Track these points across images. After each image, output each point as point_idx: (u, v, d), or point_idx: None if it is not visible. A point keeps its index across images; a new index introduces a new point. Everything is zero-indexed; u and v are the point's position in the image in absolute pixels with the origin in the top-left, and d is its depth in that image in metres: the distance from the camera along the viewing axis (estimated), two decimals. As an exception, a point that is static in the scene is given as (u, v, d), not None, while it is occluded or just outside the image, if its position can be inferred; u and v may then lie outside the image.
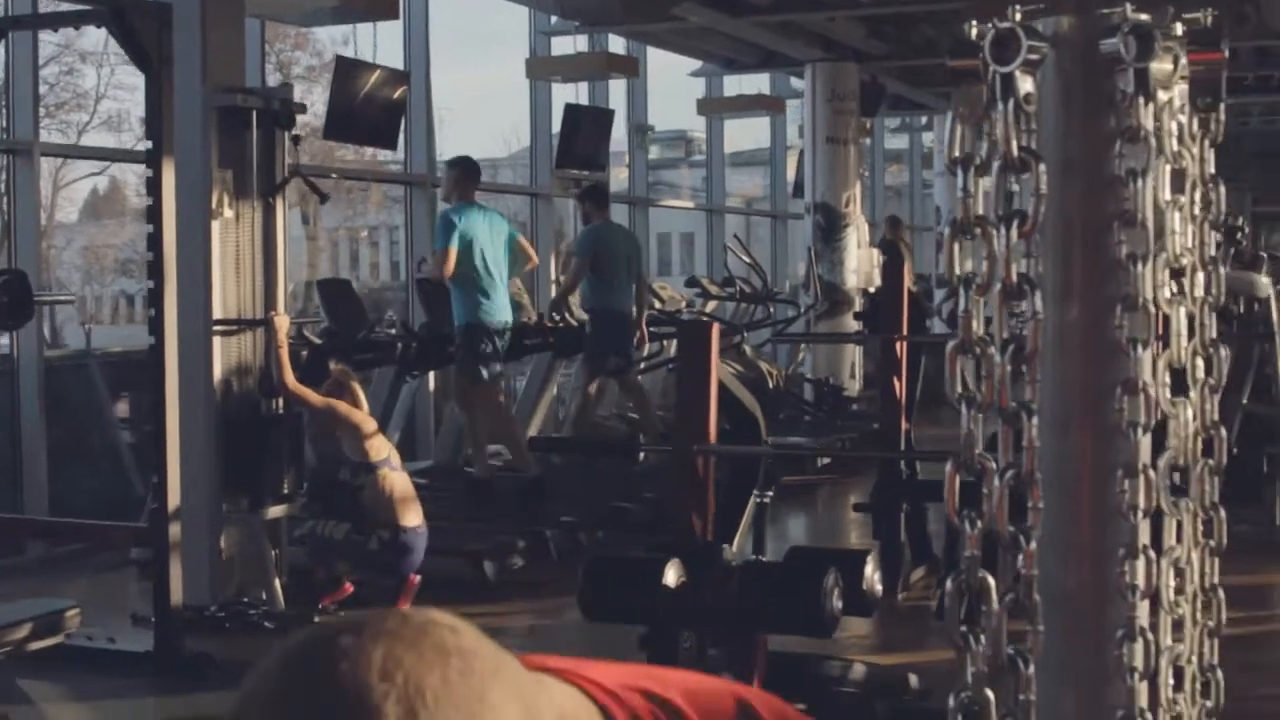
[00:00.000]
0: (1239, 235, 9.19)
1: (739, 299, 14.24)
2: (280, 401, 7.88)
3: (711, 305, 14.09)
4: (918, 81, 18.21)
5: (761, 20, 14.04)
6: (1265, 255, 9.66)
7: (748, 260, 15.01)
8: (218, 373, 7.69)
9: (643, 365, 12.27)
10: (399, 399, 10.56)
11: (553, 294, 12.29)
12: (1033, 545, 2.25)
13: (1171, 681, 2.52)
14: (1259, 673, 6.45)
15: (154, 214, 6.77)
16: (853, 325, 15.24)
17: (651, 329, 11.72)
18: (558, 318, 11.25)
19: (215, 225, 7.60)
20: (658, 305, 12.69)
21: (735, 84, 17.73)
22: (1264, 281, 9.26)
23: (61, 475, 9.58)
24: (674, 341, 12.09)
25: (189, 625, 7.17)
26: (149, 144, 6.81)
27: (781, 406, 13.65)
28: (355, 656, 1.10)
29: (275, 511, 7.86)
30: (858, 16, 14.81)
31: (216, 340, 7.66)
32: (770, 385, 13.66)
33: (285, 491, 7.89)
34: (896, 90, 18.31)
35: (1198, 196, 2.60)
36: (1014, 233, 2.20)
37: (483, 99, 50.55)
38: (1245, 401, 9.15)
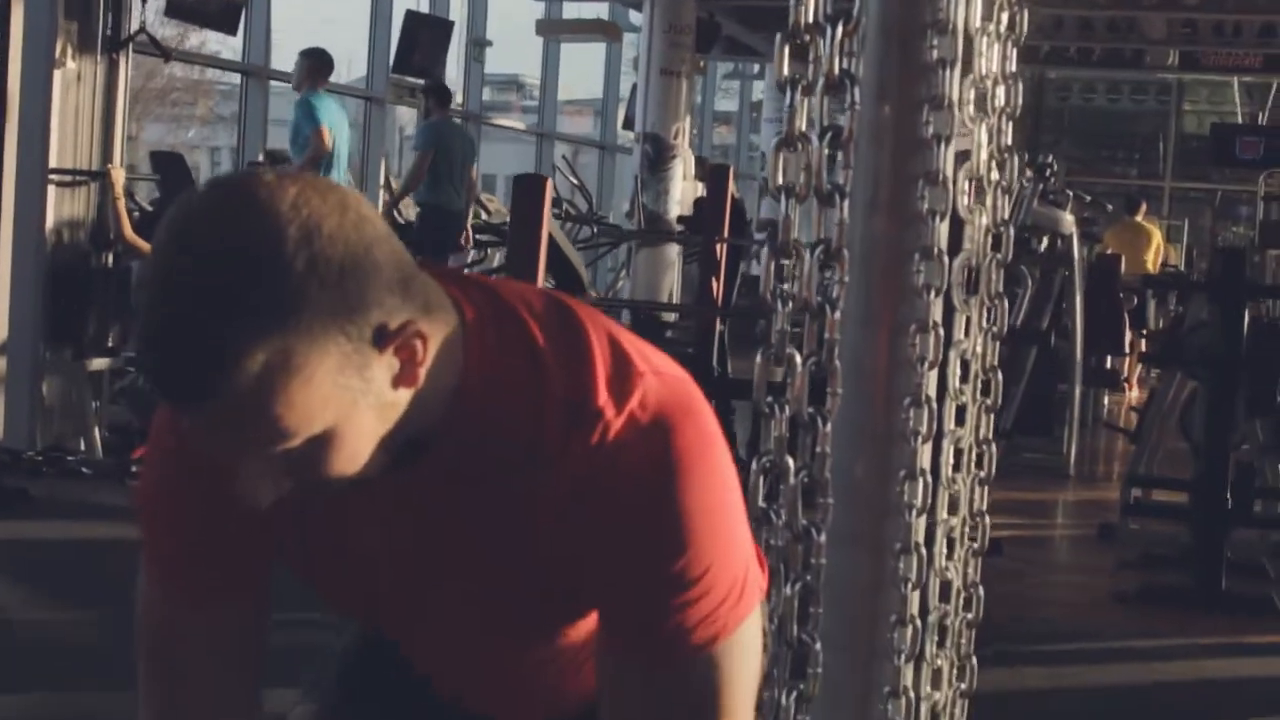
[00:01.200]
0: (1049, 173, 9.61)
1: (564, 218, 14.43)
2: (109, 255, 7.97)
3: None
4: (753, 24, 18.51)
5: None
6: (1071, 194, 10.07)
7: (575, 181, 15.21)
8: (50, 221, 7.75)
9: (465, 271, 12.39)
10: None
11: (381, 197, 12.37)
12: (829, 428, 2.36)
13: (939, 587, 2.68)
14: (1030, 566, 6.93)
15: (-1, 55, 6.83)
16: (674, 256, 15.49)
17: (477, 236, 11.86)
18: (395, 214, 11.36)
19: (58, 75, 7.65)
20: (484, 216, 12.84)
21: (575, 11, 17.95)
22: (1068, 219, 9.66)
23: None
24: (499, 252, 12.30)
25: (6, 467, 7.27)
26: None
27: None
28: (274, 188, 1.33)
29: (98, 363, 7.95)
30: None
31: (51, 189, 7.72)
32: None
33: (110, 345, 7.98)
34: (731, 32, 18.60)
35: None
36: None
37: (323, 21, 50.27)
38: (1044, 330, 9.55)
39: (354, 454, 1.41)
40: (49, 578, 5.95)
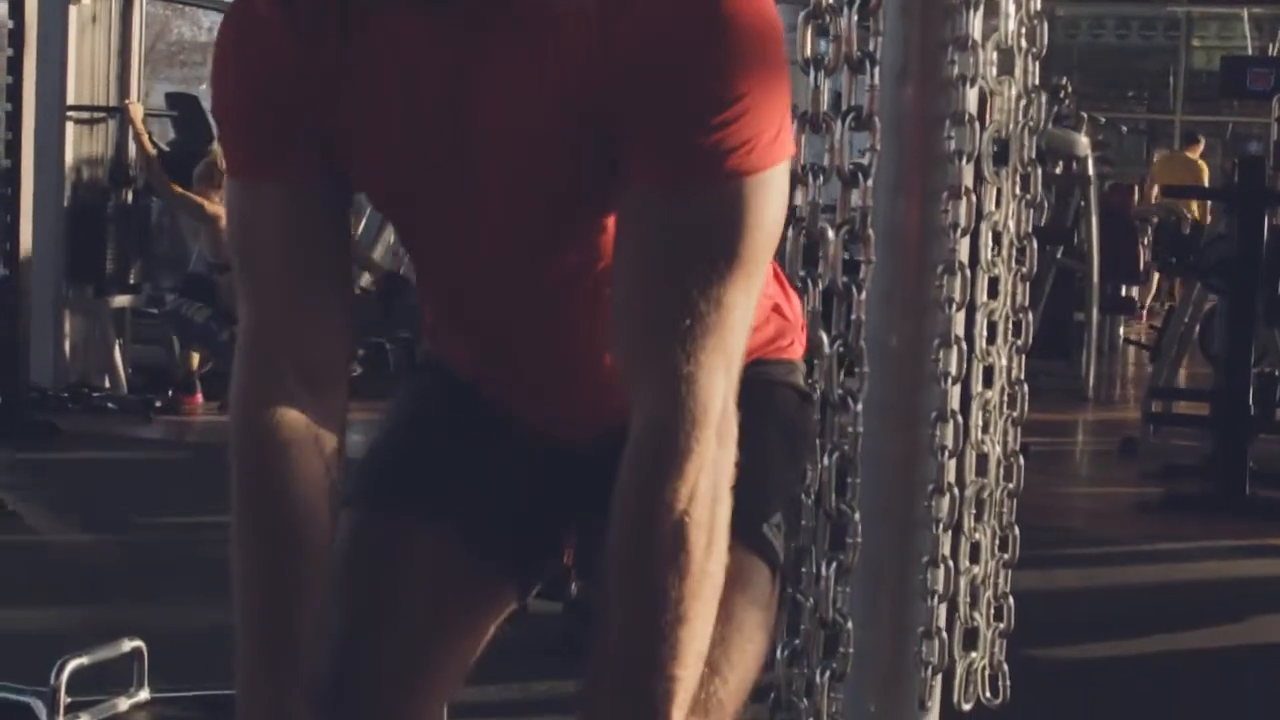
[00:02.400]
0: (1063, 95, 9.60)
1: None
2: (129, 192, 8.00)
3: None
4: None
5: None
6: (1086, 116, 10.07)
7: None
8: (69, 159, 7.78)
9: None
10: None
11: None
12: (863, 296, 2.35)
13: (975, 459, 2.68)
14: (1053, 479, 6.97)
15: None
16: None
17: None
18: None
19: (73, 14, 7.66)
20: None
21: None
22: (1083, 141, 9.65)
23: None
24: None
25: (34, 403, 7.33)
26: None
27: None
28: None
29: (120, 301, 7.99)
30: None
31: (69, 127, 7.74)
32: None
33: (132, 282, 8.02)
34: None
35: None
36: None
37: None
38: (1060, 257, 9.56)
39: None
40: (79, 503, 6.03)
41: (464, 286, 1.76)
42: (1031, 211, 2.94)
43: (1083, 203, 9.76)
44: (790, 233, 2.05)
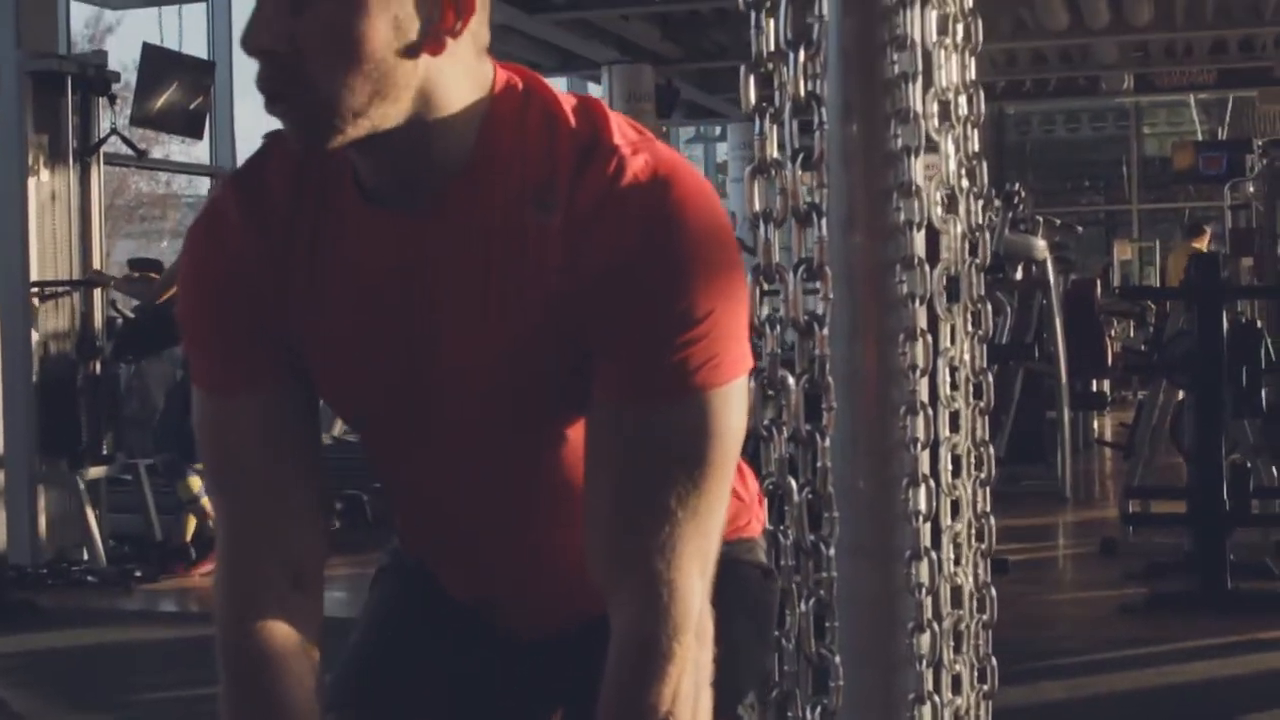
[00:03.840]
0: (1017, 200, 9.70)
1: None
2: (97, 364, 8.02)
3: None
4: (712, 88, 18.65)
5: (559, 19, 14.37)
6: (1041, 219, 10.17)
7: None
8: (35, 335, 7.81)
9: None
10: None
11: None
12: (827, 443, 2.39)
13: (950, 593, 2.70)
14: (1036, 586, 6.98)
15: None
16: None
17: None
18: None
19: (32, 188, 7.72)
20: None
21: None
22: (1040, 244, 9.73)
23: None
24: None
25: (11, 582, 7.29)
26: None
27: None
28: None
29: (95, 472, 7.98)
30: (651, 14, 15.23)
31: (35, 302, 7.78)
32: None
33: (105, 453, 8.02)
34: (690, 97, 18.74)
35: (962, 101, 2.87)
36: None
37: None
38: (1028, 361, 9.64)
39: (362, 53, 1.50)
40: (63, 685, 5.97)
41: (428, 494, 1.79)
42: (984, 347, 2.98)
43: (1045, 302, 9.83)
44: (752, 383, 2.11)
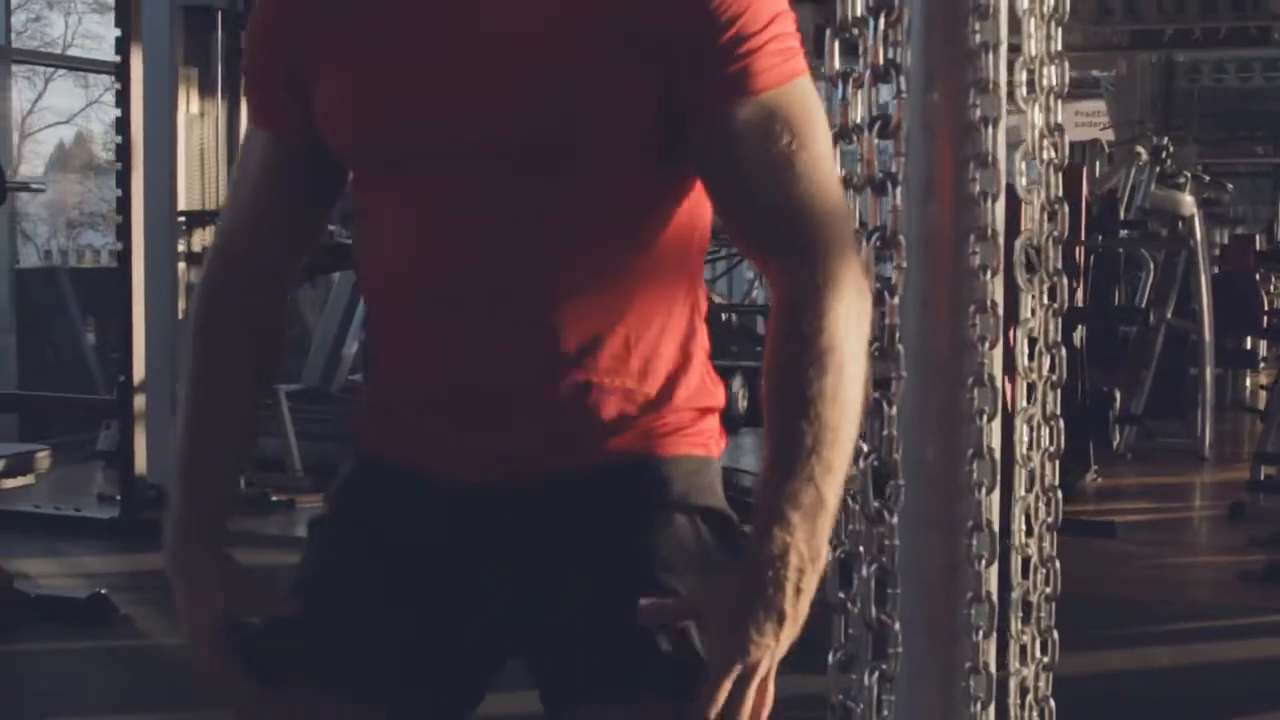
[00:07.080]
0: (1164, 155, 9.53)
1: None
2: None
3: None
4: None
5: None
6: (1189, 175, 9.98)
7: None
8: (181, 262, 7.99)
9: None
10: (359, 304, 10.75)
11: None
12: (894, 411, 2.31)
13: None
14: (1158, 549, 6.94)
15: (122, 100, 7.04)
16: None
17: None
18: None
19: (180, 119, 7.89)
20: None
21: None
22: (1188, 200, 9.57)
23: (29, 380, 9.82)
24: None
25: (149, 503, 7.45)
26: (118, 33, 7.09)
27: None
28: None
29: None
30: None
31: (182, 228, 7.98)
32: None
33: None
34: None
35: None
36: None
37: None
38: (1169, 318, 9.50)
39: None
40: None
41: (418, 251, 1.79)
42: (1059, 320, 2.97)
43: (1191, 259, 9.67)
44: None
